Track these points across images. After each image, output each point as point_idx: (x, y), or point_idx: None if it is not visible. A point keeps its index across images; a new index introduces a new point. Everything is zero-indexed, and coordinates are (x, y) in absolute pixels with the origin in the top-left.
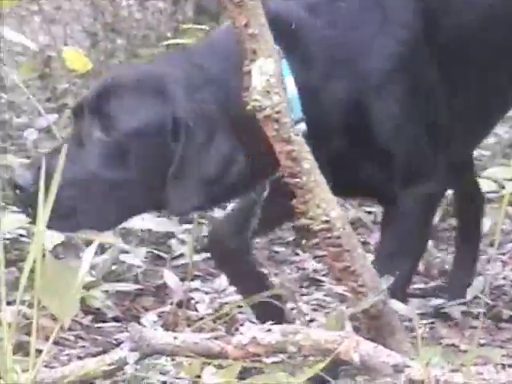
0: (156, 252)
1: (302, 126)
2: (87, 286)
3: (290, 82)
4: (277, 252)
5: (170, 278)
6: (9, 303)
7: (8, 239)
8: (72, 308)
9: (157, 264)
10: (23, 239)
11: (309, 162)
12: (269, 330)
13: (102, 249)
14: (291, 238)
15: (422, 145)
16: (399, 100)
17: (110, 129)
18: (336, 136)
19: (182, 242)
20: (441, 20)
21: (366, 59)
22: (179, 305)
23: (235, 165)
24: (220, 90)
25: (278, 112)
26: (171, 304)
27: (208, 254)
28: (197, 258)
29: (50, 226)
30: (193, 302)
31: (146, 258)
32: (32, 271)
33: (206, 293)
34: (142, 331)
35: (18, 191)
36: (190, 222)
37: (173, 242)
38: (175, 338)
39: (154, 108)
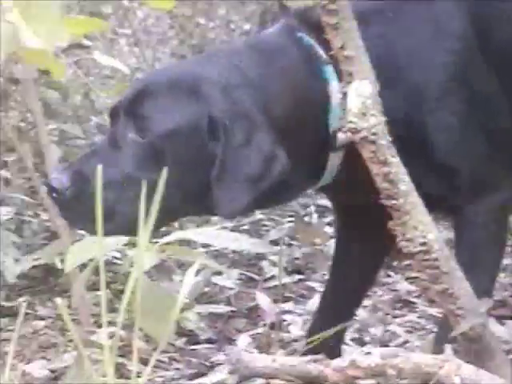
0: (248, 274)
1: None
2: (180, 308)
3: (335, 88)
4: None
5: (262, 299)
6: (101, 326)
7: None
8: (168, 330)
9: (249, 286)
10: (115, 261)
11: (405, 183)
12: (368, 353)
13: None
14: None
15: (484, 154)
16: (456, 111)
17: (144, 130)
18: None
19: (274, 263)
20: (494, 27)
21: (418, 71)
22: (272, 327)
23: (277, 161)
24: (257, 92)
25: (374, 134)
26: (264, 326)
27: (300, 276)
28: (288, 279)
29: (86, 229)
30: (285, 323)
31: (238, 279)
32: (120, 292)
33: (299, 315)
34: (240, 354)
35: (54, 194)
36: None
37: (264, 263)
38: (273, 360)
39: (188, 108)
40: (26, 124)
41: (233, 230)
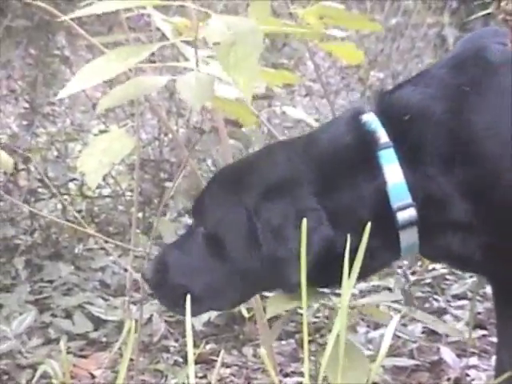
0: (431, 327)
1: (411, 212)
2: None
3: (393, 170)
4: None
5: (447, 354)
6: (287, 375)
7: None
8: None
9: (431, 340)
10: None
11: None
12: None
13: (376, 323)
14: None
15: None
16: None
17: (204, 221)
18: (461, 227)
19: (456, 317)
20: None
21: (487, 145)
22: (456, 381)
23: (317, 233)
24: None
25: None
26: (448, 380)
27: (483, 331)
28: (473, 335)
29: (173, 312)
30: (468, 379)
31: (421, 333)
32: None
33: (483, 370)
34: None
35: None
36: (464, 298)
37: (447, 317)
38: None
39: (231, 202)
40: (208, 173)
41: (415, 283)
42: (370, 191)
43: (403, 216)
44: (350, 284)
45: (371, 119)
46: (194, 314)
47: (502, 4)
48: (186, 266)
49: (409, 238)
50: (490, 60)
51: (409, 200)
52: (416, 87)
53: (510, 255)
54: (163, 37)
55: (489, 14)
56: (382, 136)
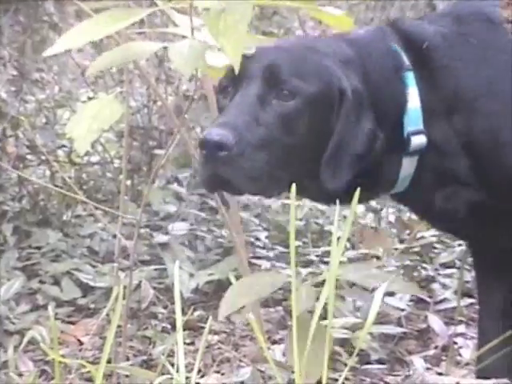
0: (419, 296)
1: (422, 139)
2: (352, 328)
3: (414, 93)
4: None
5: (434, 321)
6: (275, 342)
7: None
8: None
9: (419, 308)
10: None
11: None
12: None
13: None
14: None
15: None
16: None
17: (287, 96)
18: (460, 161)
19: (444, 286)
20: None
21: (490, 100)
22: (444, 349)
23: (378, 141)
24: (362, 74)
25: None
26: (435, 348)
27: (470, 300)
28: (461, 303)
29: (242, 188)
30: (456, 346)
31: (409, 301)
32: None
33: (470, 338)
34: (424, 375)
35: (220, 152)
36: (452, 267)
37: (435, 286)
38: (457, 383)
39: (324, 77)
40: (197, 141)
41: (403, 252)
42: (395, 107)
43: (415, 141)
44: (338, 253)
45: (393, 43)
46: (253, 191)
47: None
48: (263, 139)
49: (409, 167)
50: (490, 18)
51: (421, 126)
52: (430, 25)
53: (494, 216)
54: (153, 3)
55: None
56: (405, 59)
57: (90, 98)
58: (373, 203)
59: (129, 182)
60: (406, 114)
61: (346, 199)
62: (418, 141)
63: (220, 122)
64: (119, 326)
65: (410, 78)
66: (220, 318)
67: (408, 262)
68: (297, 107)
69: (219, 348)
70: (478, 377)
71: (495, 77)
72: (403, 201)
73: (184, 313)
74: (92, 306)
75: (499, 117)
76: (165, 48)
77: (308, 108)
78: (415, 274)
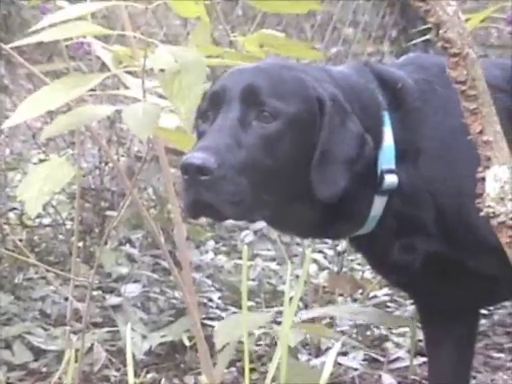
0: (372, 355)
1: (394, 178)
2: None
3: (389, 132)
4: (492, 358)
5: (388, 381)
6: None
7: None
8: None
9: (373, 367)
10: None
11: None
12: None
13: (317, 350)
14: (508, 345)
15: None
16: None
17: (268, 117)
18: (425, 209)
19: (397, 344)
20: None
21: (454, 149)
22: None
23: (367, 145)
24: (343, 87)
25: None
26: None
27: (424, 358)
28: (414, 361)
29: (225, 212)
30: None
31: (362, 360)
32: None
33: None
34: None
35: (202, 176)
36: (404, 326)
37: (388, 344)
38: None
39: (302, 92)
40: (148, 202)
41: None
42: (372, 140)
43: (388, 180)
44: (291, 312)
45: (371, 80)
46: (232, 216)
47: (441, 32)
48: (243, 163)
49: (379, 207)
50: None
51: (393, 166)
52: (399, 70)
53: (452, 270)
54: (103, 65)
55: (429, 40)
56: (382, 98)
57: (41, 160)
58: (325, 263)
59: (81, 244)
60: (381, 150)
61: (322, 232)
62: (390, 180)
63: (201, 145)
64: None
65: (386, 116)
66: (218, 347)
67: (361, 321)
68: (278, 129)
69: None
70: None
71: (459, 127)
72: (362, 247)
73: (137, 375)
74: (44, 369)
75: (463, 167)
76: (117, 111)
77: (290, 128)
78: (368, 333)
